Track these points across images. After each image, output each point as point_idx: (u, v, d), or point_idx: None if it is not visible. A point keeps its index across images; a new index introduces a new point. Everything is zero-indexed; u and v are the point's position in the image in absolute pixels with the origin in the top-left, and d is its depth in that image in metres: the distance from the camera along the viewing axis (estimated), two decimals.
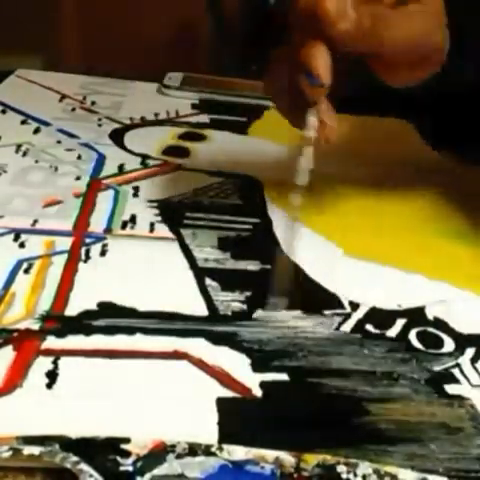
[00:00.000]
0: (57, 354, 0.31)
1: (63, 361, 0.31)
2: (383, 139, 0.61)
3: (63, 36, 0.86)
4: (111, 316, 0.34)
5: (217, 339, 0.33)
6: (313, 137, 0.35)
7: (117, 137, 0.57)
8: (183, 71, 0.73)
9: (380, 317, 0.36)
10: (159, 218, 0.44)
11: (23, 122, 0.58)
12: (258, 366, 0.32)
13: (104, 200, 0.46)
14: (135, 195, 0.47)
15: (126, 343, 0.32)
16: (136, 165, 0.52)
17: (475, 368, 0.33)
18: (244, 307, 0.36)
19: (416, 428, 0.29)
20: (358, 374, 0.32)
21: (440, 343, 0.35)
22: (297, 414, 0.30)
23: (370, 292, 0.38)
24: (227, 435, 0.28)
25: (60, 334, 0.32)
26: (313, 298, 0.38)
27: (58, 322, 0.33)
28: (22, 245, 0.39)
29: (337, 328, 0.35)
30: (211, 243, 0.42)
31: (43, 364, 0.30)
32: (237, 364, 0.32)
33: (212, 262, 0.40)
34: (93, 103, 0.65)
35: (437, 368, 0.33)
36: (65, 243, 0.40)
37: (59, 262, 0.38)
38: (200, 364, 0.32)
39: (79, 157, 0.52)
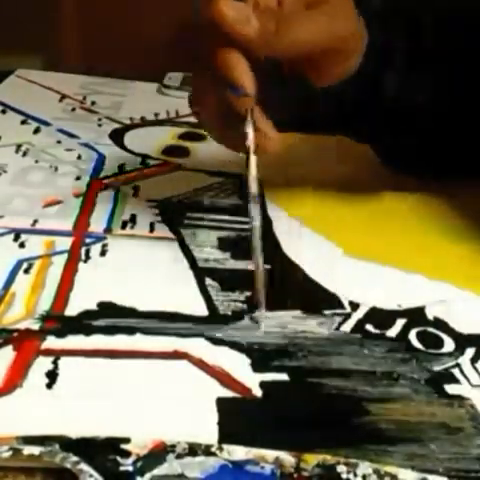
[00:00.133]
0: (57, 354, 0.31)
1: (63, 361, 0.31)
2: None
3: (63, 36, 0.86)
4: (111, 316, 0.34)
5: (217, 339, 0.33)
6: (253, 147, 0.35)
7: (117, 137, 0.57)
8: (183, 71, 0.73)
9: (380, 317, 0.36)
10: (159, 218, 0.44)
11: (23, 122, 0.58)
12: (258, 366, 0.32)
13: (104, 200, 0.46)
14: (135, 195, 0.47)
15: (126, 343, 0.32)
16: (136, 165, 0.52)
17: (475, 368, 0.33)
18: (244, 307, 0.36)
19: (416, 428, 0.29)
20: (358, 374, 0.32)
21: (440, 343, 0.35)
22: (297, 414, 0.30)
23: (370, 292, 0.38)
24: (227, 435, 0.28)
25: (60, 334, 0.32)
26: (313, 298, 0.38)
27: (58, 322, 0.33)
28: (22, 245, 0.39)
29: (337, 328, 0.35)
30: (211, 243, 0.42)
31: (43, 364, 0.30)
32: (237, 364, 0.32)
33: (212, 262, 0.40)
34: (93, 103, 0.65)
35: (437, 368, 0.33)
36: (65, 243, 0.40)
37: (59, 262, 0.38)
38: (200, 364, 0.32)
39: (79, 157, 0.52)
